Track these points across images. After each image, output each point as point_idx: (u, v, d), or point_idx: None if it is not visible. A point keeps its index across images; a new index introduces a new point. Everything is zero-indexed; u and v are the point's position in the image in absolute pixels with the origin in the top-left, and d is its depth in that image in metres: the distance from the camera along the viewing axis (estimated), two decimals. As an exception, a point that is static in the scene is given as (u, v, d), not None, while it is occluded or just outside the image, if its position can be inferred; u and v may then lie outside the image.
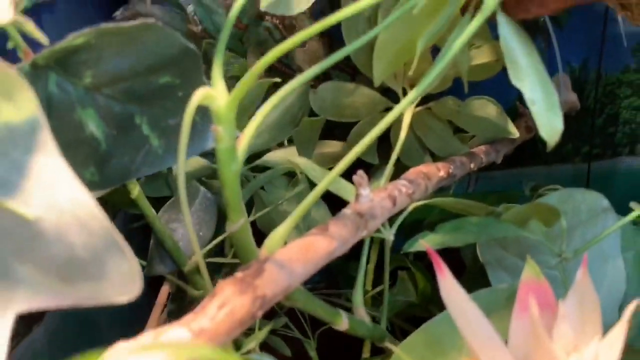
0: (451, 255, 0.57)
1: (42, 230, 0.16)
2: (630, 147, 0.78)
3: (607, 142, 0.77)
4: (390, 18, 0.24)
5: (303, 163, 0.37)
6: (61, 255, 0.16)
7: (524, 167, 0.75)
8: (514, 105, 0.66)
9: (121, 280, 0.16)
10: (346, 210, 0.29)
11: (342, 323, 0.30)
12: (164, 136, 0.27)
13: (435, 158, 0.43)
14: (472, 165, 0.45)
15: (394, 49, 0.29)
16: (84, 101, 0.24)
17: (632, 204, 0.36)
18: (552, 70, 0.70)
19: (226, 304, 0.20)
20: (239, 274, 0.22)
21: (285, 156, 0.40)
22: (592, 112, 0.75)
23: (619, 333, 0.20)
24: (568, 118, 0.71)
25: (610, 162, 0.76)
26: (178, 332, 0.19)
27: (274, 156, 0.41)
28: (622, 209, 0.39)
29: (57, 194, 0.16)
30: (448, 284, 0.24)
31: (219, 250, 0.49)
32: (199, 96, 0.21)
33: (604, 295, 0.39)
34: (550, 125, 0.25)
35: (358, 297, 0.32)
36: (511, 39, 0.26)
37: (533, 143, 0.70)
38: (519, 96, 0.70)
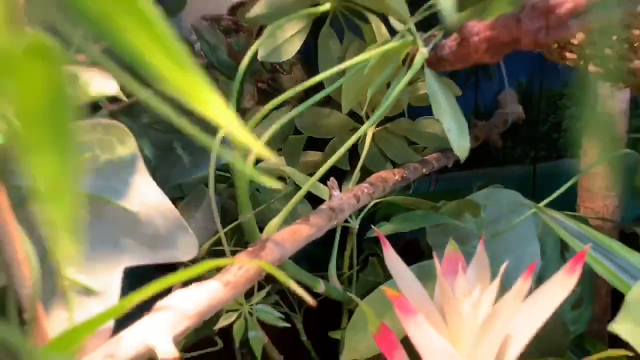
0: (414, 246, 0.68)
1: (139, 218, 0.27)
2: (571, 150, 0.90)
3: (552, 146, 0.89)
4: (350, 73, 0.36)
5: (290, 170, 0.48)
6: (150, 233, 0.28)
7: (479, 169, 0.86)
8: (469, 118, 0.78)
9: (186, 248, 0.28)
10: (322, 206, 0.40)
11: (320, 287, 0.41)
12: (192, 155, 0.38)
13: (395, 165, 0.55)
14: (424, 170, 0.57)
15: (354, 90, 0.41)
16: (141, 133, 0.35)
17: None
18: (500, 87, 0.82)
19: (243, 266, 0.32)
20: (249, 249, 0.33)
21: (276, 165, 0.51)
22: (537, 120, 0.87)
23: (495, 287, 0.32)
24: (517, 126, 0.83)
25: (554, 164, 0.89)
26: (213, 283, 0.30)
27: (267, 165, 0.52)
28: (565, 204, 0.49)
29: (147, 196, 0.28)
30: (391, 255, 0.36)
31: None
32: (222, 130, 0.32)
33: (524, 268, 0.51)
34: (460, 145, 0.37)
35: (332, 268, 0.44)
36: (434, 85, 0.37)
37: (487, 149, 0.82)
38: (474, 110, 0.82)
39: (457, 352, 0.30)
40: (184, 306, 0.28)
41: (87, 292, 0.27)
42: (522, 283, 0.32)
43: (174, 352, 0.26)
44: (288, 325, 0.41)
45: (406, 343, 0.33)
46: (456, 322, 0.32)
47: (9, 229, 0.23)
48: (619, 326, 0.30)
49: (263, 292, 0.39)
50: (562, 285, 0.32)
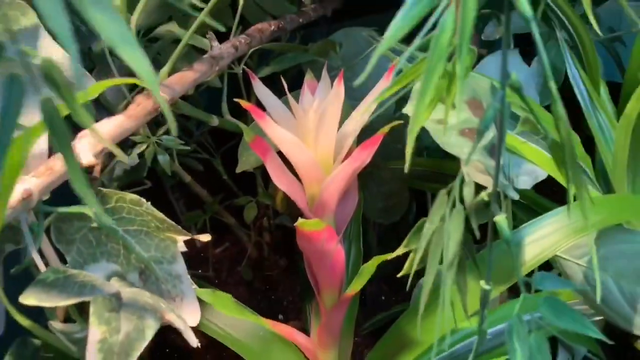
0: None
1: (50, 72, 0.37)
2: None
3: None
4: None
5: (175, 28, 0.57)
6: (61, 81, 0.37)
7: (373, 15, 0.93)
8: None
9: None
10: (204, 56, 0.50)
11: (214, 121, 0.53)
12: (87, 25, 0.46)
13: (274, 17, 0.64)
14: (301, 20, 0.67)
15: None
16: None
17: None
18: None
19: (141, 103, 0.42)
20: (145, 92, 0.44)
21: (170, 29, 0.60)
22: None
23: (334, 98, 0.44)
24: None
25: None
26: (118, 117, 0.41)
27: (163, 29, 0.60)
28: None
29: (54, 54, 0.37)
30: (257, 84, 0.47)
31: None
32: None
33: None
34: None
35: (224, 106, 0.55)
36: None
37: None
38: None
39: (302, 143, 0.43)
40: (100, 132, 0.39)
41: (19, 127, 0.37)
42: (371, 98, 0.44)
43: (94, 161, 0.37)
44: (188, 148, 0.53)
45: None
46: (302, 124, 0.44)
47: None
48: (409, 109, 0.42)
49: (165, 126, 0.50)
50: (379, 90, 0.45)
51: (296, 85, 0.52)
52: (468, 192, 0.26)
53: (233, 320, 0.53)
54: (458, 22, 0.19)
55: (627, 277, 0.46)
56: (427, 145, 0.68)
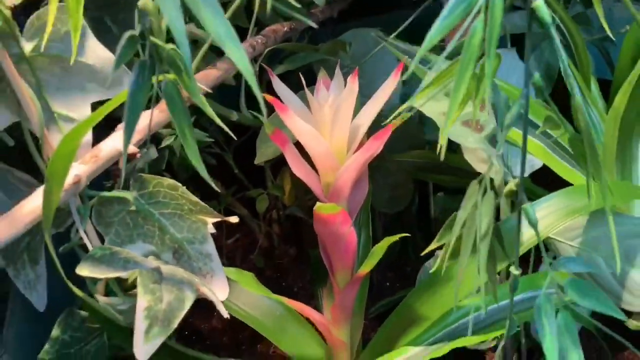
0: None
1: (94, 68, 0.41)
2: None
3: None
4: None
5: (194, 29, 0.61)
6: (103, 77, 0.42)
7: (377, 16, 0.95)
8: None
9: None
10: (225, 55, 0.54)
11: (234, 116, 0.57)
12: (119, 26, 0.50)
13: (285, 19, 0.68)
14: (310, 21, 0.71)
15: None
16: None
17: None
18: None
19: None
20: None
21: (191, 30, 0.64)
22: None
23: (348, 94, 0.48)
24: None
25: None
26: (150, 111, 0.45)
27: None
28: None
29: (97, 52, 0.41)
30: (276, 81, 0.51)
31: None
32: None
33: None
34: (318, -3, 0.51)
35: (242, 102, 0.59)
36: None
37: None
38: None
39: (319, 134, 0.47)
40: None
41: (70, 120, 0.41)
42: (382, 92, 0.48)
43: (135, 150, 0.41)
44: (212, 140, 0.57)
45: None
46: (318, 117, 0.48)
47: (15, 79, 0.37)
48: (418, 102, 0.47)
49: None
50: (390, 86, 0.49)
51: (308, 83, 0.56)
52: (498, 179, 0.29)
53: (252, 300, 0.57)
54: (487, 27, 0.22)
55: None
56: (429, 140, 0.72)
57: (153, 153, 0.57)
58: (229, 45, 0.20)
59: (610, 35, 0.45)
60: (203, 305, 0.77)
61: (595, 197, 0.51)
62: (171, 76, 0.26)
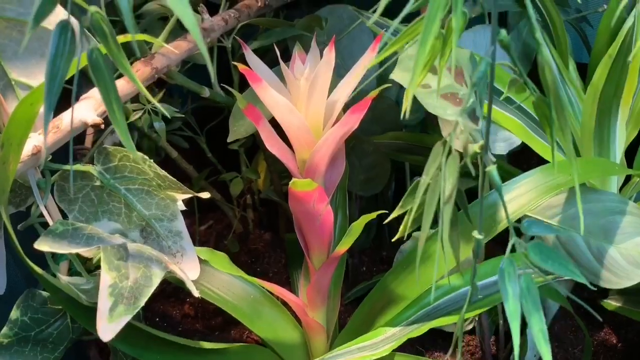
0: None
1: (56, 34, 0.39)
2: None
3: None
4: None
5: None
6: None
7: None
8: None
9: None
10: (197, 28, 0.52)
11: (205, 92, 0.55)
12: None
13: (260, -4, 0.66)
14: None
15: None
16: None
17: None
18: None
19: (139, 69, 0.44)
20: (142, 59, 0.46)
21: (161, 3, 0.61)
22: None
23: (325, 67, 0.46)
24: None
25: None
26: (118, 81, 0.43)
27: (153, 4, 0.62)
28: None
29: (59, 16, 0.38)
30: (249, 54, 0.49)
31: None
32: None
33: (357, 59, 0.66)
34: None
35: (214, 78, 0.57)
36: None
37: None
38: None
39: (294, 107, 0.45)
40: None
41: (29, 87, 0.39)
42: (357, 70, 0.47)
43: (99, 120, 0.39)
44: (183, 115, 0.55)
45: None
46: (294, 91, 0.47)
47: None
48: (396, 74, 0.45)
49: (160, 93, 0.52)
50: (366, 60, 0.47)
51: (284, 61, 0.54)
52: (464, 138, 0.28)
53: (225, 283, 0.55)
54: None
55: (594, 234, 0.50)
56: (406, 124, 0.71)
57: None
58: (175, 3, 0.19)
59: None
60: (174, 293, 0.75)
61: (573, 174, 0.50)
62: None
